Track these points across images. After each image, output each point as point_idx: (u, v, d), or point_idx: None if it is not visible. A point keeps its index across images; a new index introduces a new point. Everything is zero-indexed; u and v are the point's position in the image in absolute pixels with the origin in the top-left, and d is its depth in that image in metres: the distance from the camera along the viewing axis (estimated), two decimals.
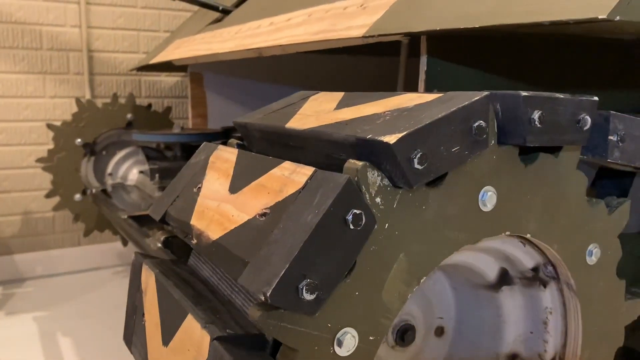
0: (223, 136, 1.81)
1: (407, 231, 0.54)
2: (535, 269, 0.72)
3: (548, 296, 0.73)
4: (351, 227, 0.49)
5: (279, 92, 2.17)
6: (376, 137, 0.52)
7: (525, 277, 0.74)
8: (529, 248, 0.70)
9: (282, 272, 0.46)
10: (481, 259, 0.74)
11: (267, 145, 0.75)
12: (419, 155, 0.51)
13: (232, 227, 0.58)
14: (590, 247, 0.70)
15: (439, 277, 0.80)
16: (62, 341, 1.82)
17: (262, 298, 0.47)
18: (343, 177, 0.50)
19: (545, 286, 0.73)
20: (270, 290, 0.46)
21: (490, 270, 0.75)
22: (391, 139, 0.50)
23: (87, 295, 2.21)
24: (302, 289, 0.47)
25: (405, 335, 0.75)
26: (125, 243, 2.24)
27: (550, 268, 0.71)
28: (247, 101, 2.14)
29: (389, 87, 2.24)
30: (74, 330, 1.89)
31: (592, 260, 0.71)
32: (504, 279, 0.75)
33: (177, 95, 2.60)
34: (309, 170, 0.55)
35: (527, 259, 0.71)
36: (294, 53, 1.39)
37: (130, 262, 2.57)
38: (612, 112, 0.66)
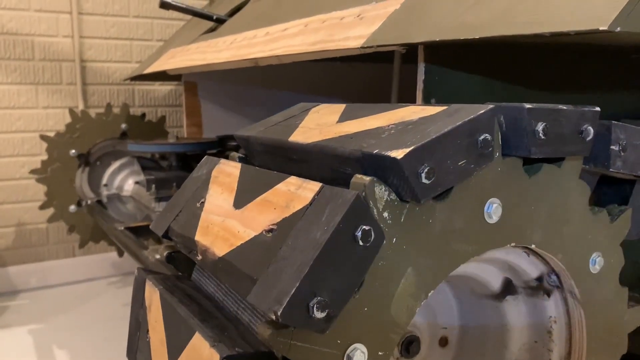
0: (219, 145, 1.80)
1: (415, 245, 0.54)
2: (539, 279, 0.72)
3: (552, 305, 0.73)
4: (360, 243, 0.49)
5: (273, 99, 2.17)
6: (383, 152, 0.52)
7: (530, 286, 0.74)
8: (533, 258, 0.70)
9: (293, 291, 0.46)
10: (485, 269, 0.74)
11: (269, 159, 0.74)
12: (426, 170, 0.51)
13: (239, 243, 0.58)
14: (594, 255, 0.70)
15: (442, 287, 0.80)
16: (58, 354, 1.80)
17: (273, 317, 0.46)
18: (351, 193, 0.50)
19: (549, 295, 0.73)
20: (281, 309, 0.46)
21: (494, 280, 0.75)
22: (398, 153, 0.50)
23: (82, 306, 2.19)
24: (312, 307, 0.47)
25: (410, 346, 0.75)
26: (121, 254, 2.23)
27: (554, 277, 0.71)
28: (241, 109, 2.13)
29: (383, 91, 2.24)
30: (69, 342, 1.88)
31: (595, 268, 0.71)
32: (508, 288, 0.75)
33: (171, 104, 2.59)
34: (315, 186, 0.55)
35: (531, 268, 0.71)
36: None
37: (125, 272, 2.57)
38: (613, 121, 0.67)
